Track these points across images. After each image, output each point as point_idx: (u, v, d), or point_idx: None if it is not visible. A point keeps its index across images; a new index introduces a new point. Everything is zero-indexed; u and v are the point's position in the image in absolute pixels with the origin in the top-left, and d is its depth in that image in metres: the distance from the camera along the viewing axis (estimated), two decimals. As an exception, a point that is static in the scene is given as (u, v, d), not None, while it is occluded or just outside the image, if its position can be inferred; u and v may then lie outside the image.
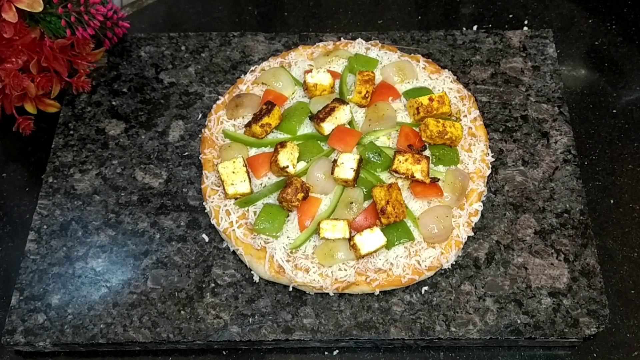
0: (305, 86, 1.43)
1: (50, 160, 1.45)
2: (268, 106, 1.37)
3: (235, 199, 1.32)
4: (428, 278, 1.29)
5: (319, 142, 1.37)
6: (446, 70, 1.50)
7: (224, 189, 1.31)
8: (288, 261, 1.26)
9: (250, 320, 1.26)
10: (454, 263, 1.31)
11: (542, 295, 1.27)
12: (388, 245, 1.25)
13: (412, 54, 1.53)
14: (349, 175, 1.29)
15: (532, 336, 1.24)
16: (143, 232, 1.36)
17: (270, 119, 1.36)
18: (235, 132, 1.41)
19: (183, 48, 1.61)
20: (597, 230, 1.40)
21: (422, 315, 1.26)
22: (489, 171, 1.38)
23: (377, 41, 1.56)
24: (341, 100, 1.38)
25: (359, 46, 1.52)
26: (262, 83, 1.47)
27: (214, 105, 1.47)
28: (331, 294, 1.27)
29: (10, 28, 1.36)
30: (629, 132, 1.53)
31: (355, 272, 1.25)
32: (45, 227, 1.36)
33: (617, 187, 1.46)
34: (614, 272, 1.36)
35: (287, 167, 1.30)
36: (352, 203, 1.29)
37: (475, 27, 1.65)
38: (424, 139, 1.36)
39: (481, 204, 1.34)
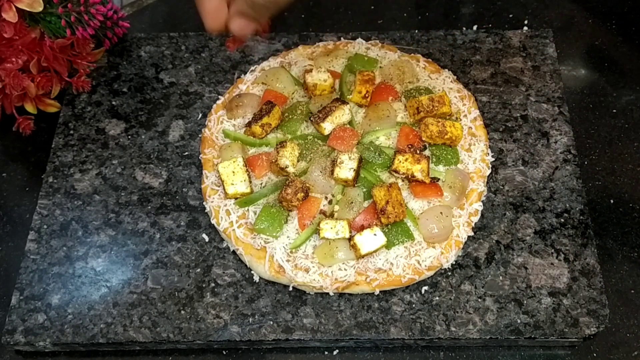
0: (305, 86, 1.43)
1: (50, 160, 1.45)
2: (268, 106, 1.38)
3: (235, 198, 1.32)
4: (428, 278, 1.29)
5: (319, 142, 1.37)
6: (446, 70, 1.51)
7: (224, 188, 1.32)
8: (288, 261, 1.26)
9: (250, 320, 1.26)
10: (454, 263, 1.31)
11: (542, 295, 1.27)
12: (388, 245, 1.25)
13: (412, 54, 1.53)
14: (349, 175, 1.29)
15: (532, 336, 1.24)
16: (143, 231, 1.36)
17: (270, 119, 1.36)
18: (235, 132, 1.41)
19: (183, 48, 1.61)
20: (597, 230, 1.40)
21: (422, 315, 1.26)
22: (489, 171, 1.38)
23: (377, 41, 1.56)
24: (341, 100, 1.38)
25: (359, 46, 1.53)
26: (262, 83, 1.47)
27: (214, 105, 1.47)
28: (331, 293, 1.27)
29: (10, 28, 1.36)
30: (629, 132, 1.53)
31: (355, 272, 1.25)
32: (45, 226, 1.36)
33: (617, 187, 1.46)
34: (614, 272, 1.36)
35: (287, 167, 1.30)
36: (352, 203, 1.29)
37: (475, 27, 1.65)
38: (424, 139, 1.36)
39: (481, 203, 1.34)
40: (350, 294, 1.28)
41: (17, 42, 1.40)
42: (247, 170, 1.32)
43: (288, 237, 1.28)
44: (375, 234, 1.24)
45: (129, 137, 1.48)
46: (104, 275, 1.31)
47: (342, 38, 1.59)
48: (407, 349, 1.28)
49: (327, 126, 1.35)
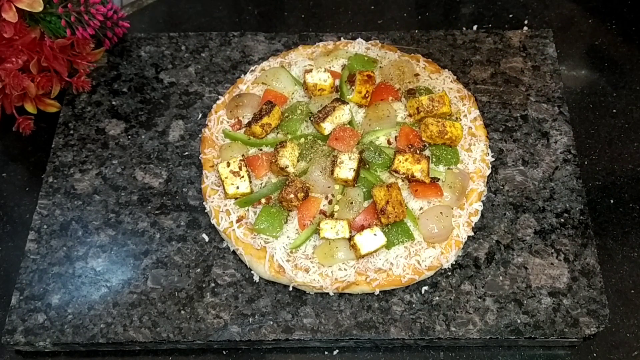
0: (305, 86, 1.43)
1: (50, 160, 1.45)
2: (268, 106, 1.38)
3: (235, 198, 1.32)
4: (428, 278, 1.29)
5: (319, 142, 1.37)
6: (446, 70, 1.50)
7: (224, 188, 1.32)
8: (288, 261, 1.26)
9: (250, 320, 1.26)
10: (454, 263, 1.31)
11: (542, 295, 1.27)
12: (388, 245, 1.25)
13: (412, 54, 1.53)
14: (349, 175, 1.29)
15: (532, 336, 1.24)
16: (143, 231, 1.36)
17: (270, 119, 1.36)
18: (235, 132, 1.41)
19: (183, 48, 1.61)
20: (597, 230, 1.40)
21: (422, 315, 1.26)
22: (489, 171, 1.38)
23: (377, 41, 1.56)
24: (341, 100, 1.38)
25: (359, 46, 1.53)
26: (262, 83, 1.47)
27: (214, 105, 1.47)
28: (331, 293, 1.27)
29: (10, 28, 1.36)
30: (629, 132, 1.53)
31: (355, 272, 1.25)
32: (45, 226, 1.36)
33: (617, 187, 1.46)
34: (614, 272, 1.36)
35: (287, 167, 1.30)
36: (352, 203, 1.29)
37: (475, 27, 1.65)
38: (424, 139, 1.36)
39: (481, 203, 1.34)
40: (350, 294, 1.28)
41: (17, 42, 1.40)
42: (247, 170, 1.32)
43: (288, 237, 1.28)
44: (375, 234, 1.24)
45: (129, 137, 1.48)
46: (104, 275, 1.31)
47: (342, 38, 1.59)
48: (407, 349, 1.28)
49: (327, 126, 1.35)
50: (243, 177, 1.31)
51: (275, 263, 1.26)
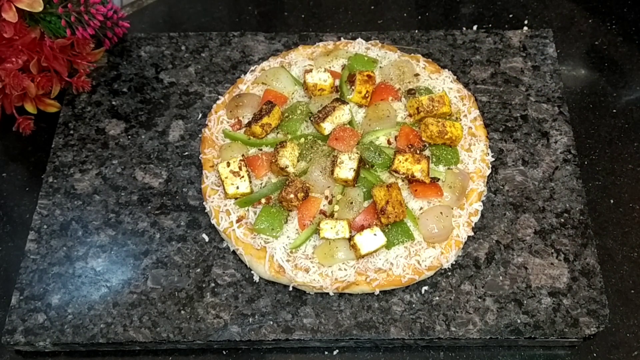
0: (305, 86, 1.43)
1: (50, 160, 1.45)
2: (268, 106, 1.38)
3: (235, 198, 1.32)
4: (428, 278, 1.29)
5: (319, 142, 1.37)
6: (446, 70, 1.50)
7: (224, 188, 1.32)
8: (288, 261, 1.26)
9: (250, 320, 1.26)
10: (454, 263, 1.31)
11: (542, 295, 1.27)
12: (388, 245, 1.25)
13: (412, 54, 1.53)
14: (349, 175, 1.29)
15: (532, 336, 1.24)
16: (143, 231, 1.36)
17: (270, 119, 1.36)
18: (235, 132, 1.41)
19: (183, 48, 1.61)
20: (597, 230, 1.40)
21: (422, 315, 1.26)
22: (489, 171, 1.38)
23: (377, 41, 1.56)
24: (341, 100, 1.38)
25: (359, 46, 1.53)
26: (262, 83, 1.47)
27: (214, 105, 1.47)
28: (331, 293, 1.27)
29: (10, 28, 1.36)
30: (629, 132, 1.53)
31: (355, 272, 1.25)
32: (45, 226, 1.36)
33: (617, 187, 1.46)
34: (614, 272, 1.36)
35: (287, 167, 1.30)
36: (352, 203, 1.29)
37: (475, 27, 1.65)
38: (424, 139, 1.36)
39: (481, 203, 1.34)
40: (350, 294, 1.28)
41: (17, 42, 1.40)
42: (247, 170, 1.32)
43: (288, 237, 1.28)
44: (375, 234, 1.24)
45: (129, 137, 1.48)
46: (104, 275, 1.31)
47: (342, 38, 1.59)
48: (407, 349, 1.28)
49: (327, 126, 1.35)
50: (243, 177, 1.31)
51: (275, 263, 1.26)
